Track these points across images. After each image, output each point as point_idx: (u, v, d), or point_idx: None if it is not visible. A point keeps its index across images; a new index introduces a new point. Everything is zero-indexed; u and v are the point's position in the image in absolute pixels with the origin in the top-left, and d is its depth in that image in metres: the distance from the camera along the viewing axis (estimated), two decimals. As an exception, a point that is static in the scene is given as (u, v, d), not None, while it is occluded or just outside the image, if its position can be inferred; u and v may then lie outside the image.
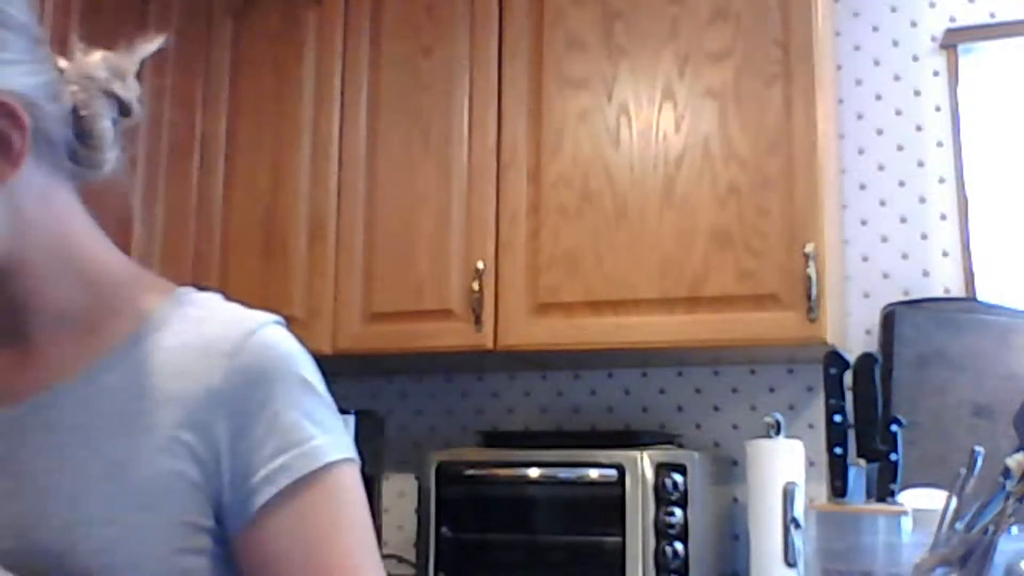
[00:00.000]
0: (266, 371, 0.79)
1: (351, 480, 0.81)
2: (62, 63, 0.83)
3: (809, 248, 1.97)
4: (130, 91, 0.85)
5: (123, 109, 0.85)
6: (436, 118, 2.29)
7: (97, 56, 0.84)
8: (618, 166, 2.14)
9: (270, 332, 0.82)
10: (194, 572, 0.77)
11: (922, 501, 1.88)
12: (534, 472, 2.08)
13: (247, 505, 0.76)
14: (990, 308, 2.20)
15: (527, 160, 2.21)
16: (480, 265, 2.18)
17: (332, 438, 0.80)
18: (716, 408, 2.37)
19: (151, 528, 0.75)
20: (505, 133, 2.23)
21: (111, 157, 0.85)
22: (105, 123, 0.83)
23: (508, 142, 2.23)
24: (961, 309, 2.21)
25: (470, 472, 2.12)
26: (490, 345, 2.17)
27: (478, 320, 2.17)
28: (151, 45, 0.86)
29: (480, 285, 2.17)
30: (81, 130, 0.82)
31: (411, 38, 2.34)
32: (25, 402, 0.80)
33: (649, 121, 2.14)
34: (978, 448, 1.66)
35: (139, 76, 0.86)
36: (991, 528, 1.58)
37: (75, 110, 0.82)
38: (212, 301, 0.86)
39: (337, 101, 2.37)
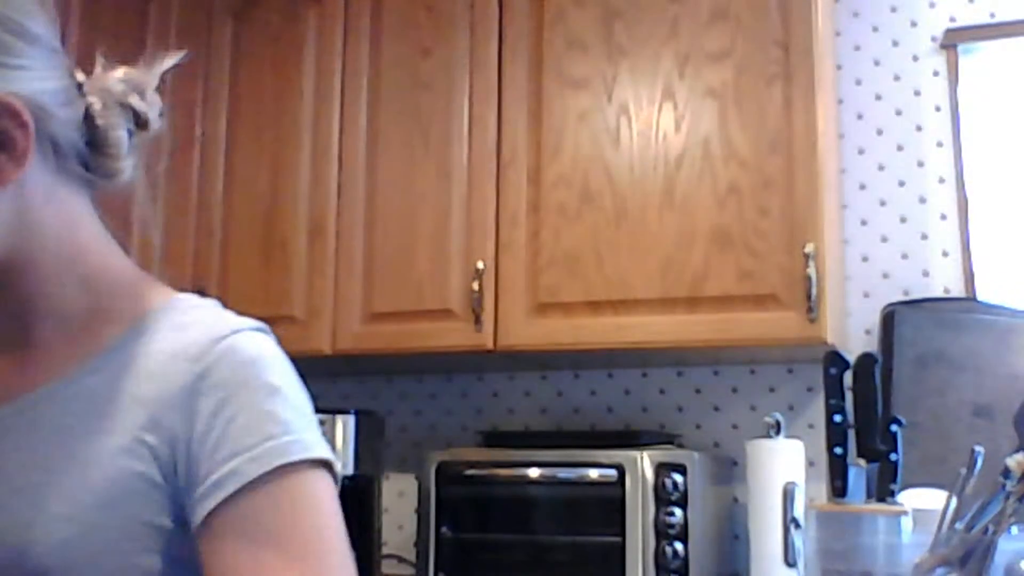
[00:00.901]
0: (226, 376, 0.79)
1: (311, 484, 0.79)
2: (81, 76, 0.86)
3: (809, 248, 1.97)
4: (148, 104, 0.88)
5: (139, 121, 0.87)
6: (436, 118, 2.29)
7: (117, 71, 0.87)
8: (618, 166, 2.14)
9: (239, 338, 0.82)
10: (154, 572, 0.77)
11: (922, 501, 1.88)
12: (534, 472, 2.08)
13: (199, 509, 0.76)
14: (990, 308, 2.20)
15: (527, 160, 2.21)
16: (480, 265, 2.18)
17: (292, 439, 0.78)
18: (716, 408, 2.37)
19: (111, 527, 0.76)
20: (505, 133, 2.23)
21: (126, 167, 0.87)
22: (120, 133, 0.86)
23: (508, 142, 2.23)
24: (961, 309, 2.21)
25: (470, 472, 2.12)
26: (490, 345, 2.17)
27: (478, 320, 2.17)
28: (170, 60, 0.90)
29: (480, 285, 2.17)
30: (96, 139, 0.85)
31: (411, 38, 2.34)
32: (14, 402, 0.82)
33: (649, 121, 2.14)
34: (978, 448, 1.66)
35: (160, 91, 0.89)
36: (991, 528, 1.58)
37: (91, 119, 0.84)
38: (202, 308, 0.87)
39: (337, 101, 2.37)
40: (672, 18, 2.15)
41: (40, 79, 0.80)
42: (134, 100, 0.87)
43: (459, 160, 2.25)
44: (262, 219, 2.39)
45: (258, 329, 0.85)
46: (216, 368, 0.79)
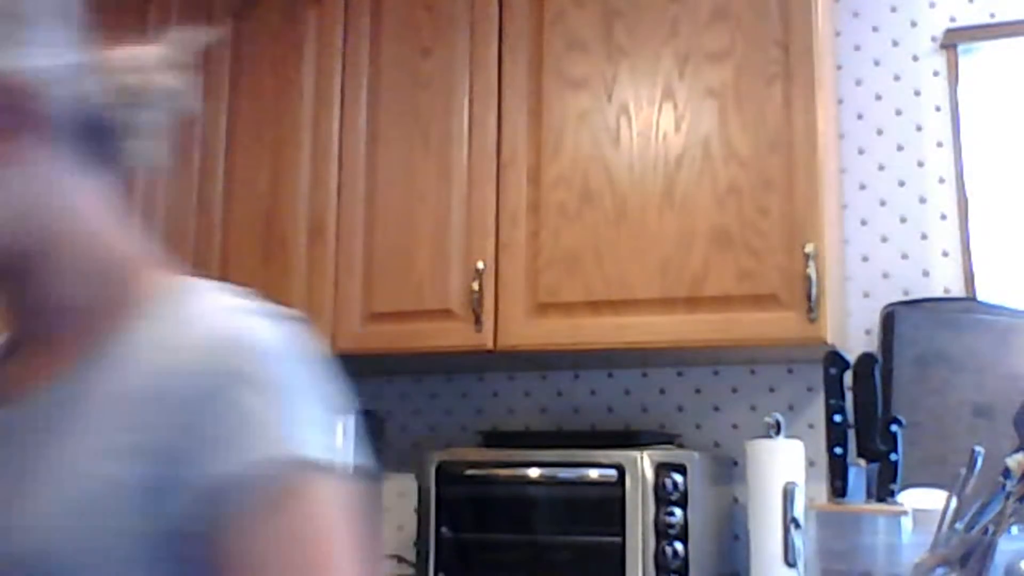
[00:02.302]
0: (220, 372, 0.73)
1: (313, 489, 0.73)
2: (91, 55, 0.82)
3: (809, 248, 1.97)
4: (164, 84, 0.84)
5: (153, 101, 0.84)
6: (436, 118, 2.29)
7: (129, 49, 0.83)
8: (618, 166, 2.14)
9: (234, 326, 0.76)
10: None
11: (922, 501, 1.88)
12: (534, 472, 2.08)
13: (198, 514, 0.71)
14: (990, 308, 2.20)
15: (527, 160, 2.21)
16: (480, 265, 2.18)
17: (289, 441, 0.72)
18: (716, 408, 2.37)
19: (99, 535, 0.71)
20: (505, 133, 2.23)
21: (142, 148, 0.83)
22: (127, 113, 0.82)
23: (508, 142, 2.23)
24: (961, 309, 2.21)
25: (470, 472, 2.12)
26: (490, 345, 2.17)
27: (478, 320, 2.17)
28: (198, 36, 0.85)
29: (480, 285, 2.17)
30: (104, 120, 0.81)
31: (411, 38, 2.34)
32: (17, 403, 0.79)
33: (649, 121, 2.14)
34: (978, 448, 1.66)
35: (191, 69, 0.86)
36: (991, 528, 1.58)
37: (99, 100, 0.81)
38: (202, 295, 0.81)
39: (337, 101, 2.37)
40: (672, 18, 2.15)
41: (47, 56, 0.77)
42: (143, 79, 0.83)
43: (459, 160, 2.25)
44: (262, 219, 2.39)
45: (262, 313, 0.78)
46: (209, 363, 0.73)
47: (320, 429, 0.76)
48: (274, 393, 0.74)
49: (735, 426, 2.34)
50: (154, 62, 0.84)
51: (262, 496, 0.71)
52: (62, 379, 0.77)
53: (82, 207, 0.80)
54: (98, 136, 0.81)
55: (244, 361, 0.74)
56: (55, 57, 0.78)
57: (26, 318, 0.81)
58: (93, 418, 0.74)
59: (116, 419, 0.73)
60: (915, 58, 2.36)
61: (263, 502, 0.71)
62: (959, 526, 1.63)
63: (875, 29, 2.39)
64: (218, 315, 0.77)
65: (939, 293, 2.25)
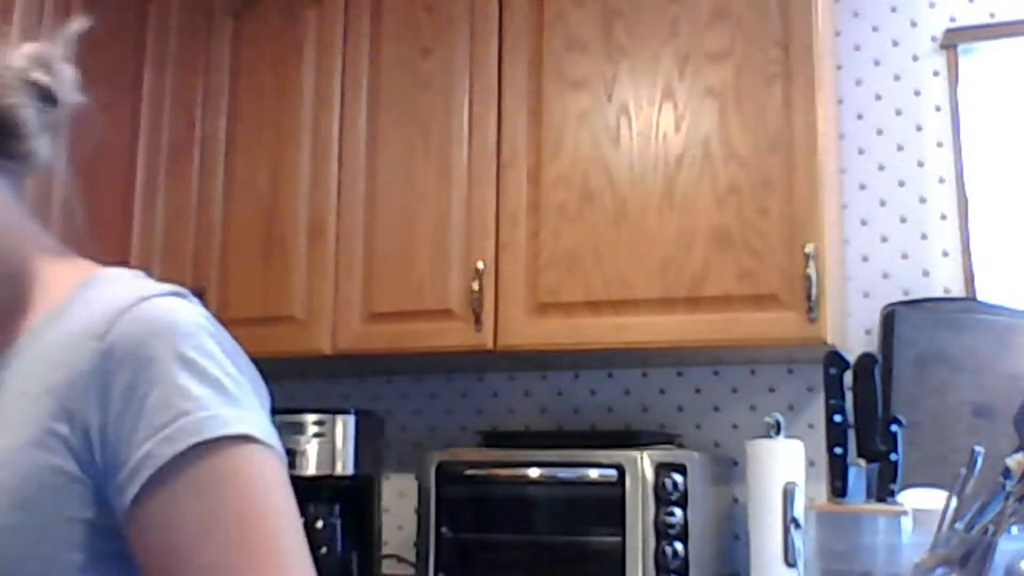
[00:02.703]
0: (133, 350, 0.72)
1: (236, 462, 0.71)
2: None
3: (809, 248, 1.97)
4: (55, 78, 0.82)
5: (47, 96, 0.82)
6: (436, 118, 2.29)
7: (19, 47, 0.82)
8: (618, 166, 2.14)
9: (147, 306, 0.74)
10: (87, 570, 0.72)
11: (922, 501, 1.88)
12: (534, 472, 2.08)
13: (121, 500, 0.71)
14: (990, 308, 2.20)
15: (527, 160, 2.21)
16: (480, 265, 2.18)
17: (208, 415, 0.71)
18: (716, 408, 2.37)
19: (30, 527, 0.71)
20: (505, 133, 2.23)
21: (38, 146, 0.82)
22: (26, 112, 0.80)
23: (508, 142, 2.23)
24: (961, 309, 2.21)
25: (470, 472, 2.12)
26: (490, 345, 2.17)
27: (478, 320, 2.17)
28: (75, 26, 0.84)
29: (480, 285, 2.17)
30: (1, 120, 0.80)
31: (411, 38, 2.34)
32: None
33: (649, 121, 2.14)
34: (978, 448, 1.66)
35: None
36: (991, 528, 1.58)
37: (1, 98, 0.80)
38: (115, 281, 0.80)
39: (337, 101, 2.37)
40: (672, 18, 2.15)
41: None
42: (38, 75, 0.81)
43: (459, 160, 2.25)
44: (262, 219, 2.39)
45: (173, 294, 0.77)
46: (122, 342, 0.72)
47: (246, 401, 0.75)
48: (192, 368, 0.73)
49: (735, 426, 2.34)
50: (49, 56, 0.83)
51: (191, 470, 0.70)
52: None
53: None
54: None
55: (166, 341, 0.73)
56: None
57: None
58: (19, 410, 0.74)
59: (41, 409, 0.73)
60: (915, 58, 2.36)
61: (188, 480, 0.70)
62: (959, 526, 1.62)
63: (875, 29, 2.39)
64: (133, 298, 0.75)
65: (939, 293, 2.25)
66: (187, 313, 0.76)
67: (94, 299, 0.77)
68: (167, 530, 0.70)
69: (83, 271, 0.82)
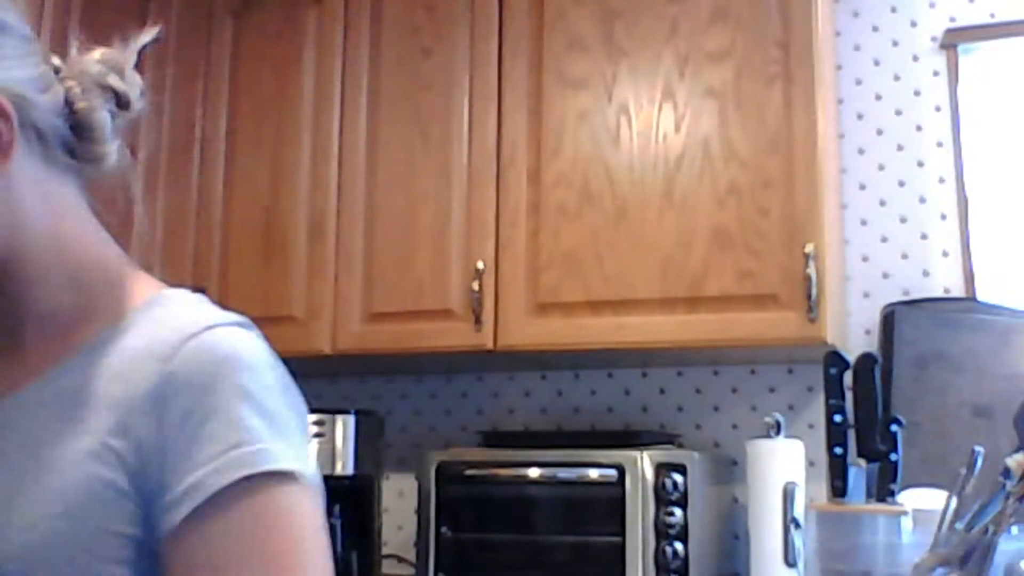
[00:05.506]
0: (195, 376, 0.74)
1: (280, 498, 0.74)
2: (57, 60, 0.83)
3: (809, 248, 1.97)
4: (128, 84, 0.85)
5: (120, 102, 0.84)
6: (436, 118, 2.29)
7: (94, 52, 0.84)
8: (618, 166, 2.14)
9: (212, 335, 0.77)
10: None
11: (922, 501, 1.88)
12: (534, 472, 2.08)
13: (165, 522, 0.72)
14: (990, 308, 2.20)
15: (527, 160, 2.21)
16: (480, 265, 2.18)
17: (258, 449, 0.73)
18: (716, 408, 2.37)
19: (75, 536, 0.72)
20: (505, 133, 2.23)
21: (110, 150, 0.84)
22: (101, 115, 0.83)
23: (508, 142, 2.23)
24: (961, 309, 2.21)
25: (470, 472, 2.12)
26: (490, 345, 2.17)
27: (478, 320, 2.17)
28: (147, 37, 0.87)
29: (480, 285, 2.17)
30: (77, 124, 0.82)
31: (411, 38, 2.34)
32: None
33: (649, 121, 2.14)
34: (978, 448, 1.66)
35: (140, 70, 0.86)
36: (991, 528, 1.58)
37: (70, 104, 0.81)
38: (181, 302, 0.83)
39: (337, 101, 2.37)
40: (672, 18, 2.15)
41: (17, 67, 0.78)
42: (113, 80, 0.83)
43: (459, 160, 2.25)
44: (262, 219, 2.38)
45: (238, 324, 0.80)
46: (185, 368, 0.75)
47: (296, 437, 0.77)
48: (248, 401, 0.75)
49: (735, 426, 2.34)
50: (123, 62, 0.85)
51: (235, 504, 0.72)
52: (45, 382, 0.79)
53: (56, 215, 0.81)
54: (66, 141, 0.82)
55: (228, 371, 0.75)
56: (20, 68, 0.79)
57: (5, 323, 0.82)
58: (76, 420, 0.75)
59: (99, 422, 0.75)
60: (915, 58, 2.36)
61: (232, 511, 0.72)
62: (959, 526, 1.63)
63: (875, 29, 2.39)
64: (199, 325, 0.78)
65: (939, 293, 2.25)
66: (250, 345, 0.79)
67: (160, 319, 0.79)
68: (203, 556, 0.71)
69: (149, 287, 0.84)
